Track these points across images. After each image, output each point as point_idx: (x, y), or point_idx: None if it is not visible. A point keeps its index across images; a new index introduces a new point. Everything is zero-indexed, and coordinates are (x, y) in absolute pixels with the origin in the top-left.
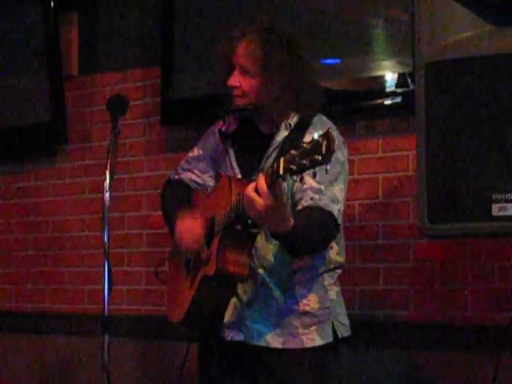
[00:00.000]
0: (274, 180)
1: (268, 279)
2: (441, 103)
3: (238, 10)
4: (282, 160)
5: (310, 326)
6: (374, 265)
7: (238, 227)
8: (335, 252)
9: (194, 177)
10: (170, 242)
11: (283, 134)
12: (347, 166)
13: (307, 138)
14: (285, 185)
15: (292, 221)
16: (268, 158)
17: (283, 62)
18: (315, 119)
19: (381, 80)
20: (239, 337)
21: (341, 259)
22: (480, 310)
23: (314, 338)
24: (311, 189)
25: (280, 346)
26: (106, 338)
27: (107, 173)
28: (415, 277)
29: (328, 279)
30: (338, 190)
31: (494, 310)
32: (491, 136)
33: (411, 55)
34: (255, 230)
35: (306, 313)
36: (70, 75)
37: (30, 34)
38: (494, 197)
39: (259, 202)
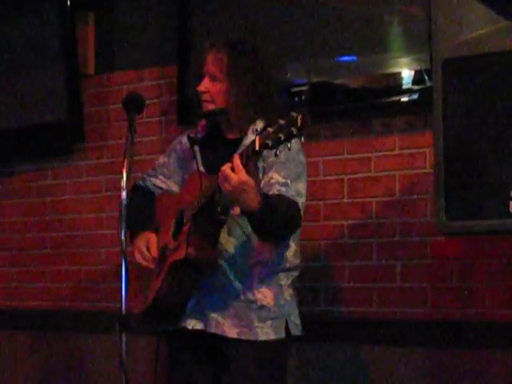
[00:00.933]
0: (249, 157)
1: (228, 271)
2: (458, 100)
3: (253, 7)
4: (257, 138)
5: (266, 320)
6: (391, 262)
7: (207, 214)
8: (292, 252)
9: (158, 182)
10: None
11: (250, 138)
12: (306, 169)
13: None
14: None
15: (260, 200)
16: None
17: (248, 69)
18: None
19: (397, 77)
20: (199, 325)
21: (297, 261)
22: (497, 308)
23: (268, 332)
24: (278, 183)
25: (235, 336)
26: (124, 335)
27: (124, 171)
28: (432, 274)
29: (284, 280)
30: (302, 187)
31: (511, 307)
32: (509, 132)
33: (428, 52)
34: (223, 217)
35: (262, 307)
36: (86, 74)
37: (47, 34)
38: (511, 194)
39: (234, 177)
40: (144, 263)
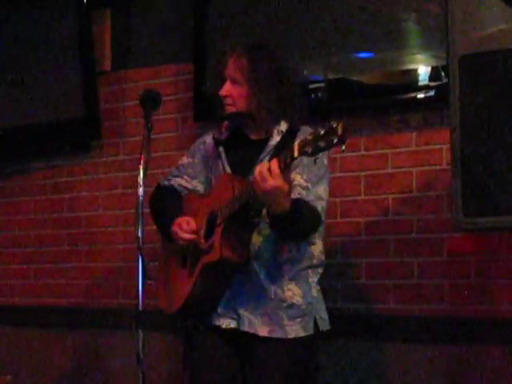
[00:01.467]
0: (287, 163)
1: (258, 269)
2: (475, 96)
3: (270, 4)
4: (296, 144)
5: (295, 318)
6: (408, 259)
7: (241, 217)
8: (318, 249)
9: (183, 182)
10: (161, 243)
11: (276, 139)
12: (329, 171)
13: None
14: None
15: (290, 205)
16: (262, 160)
17: (268, 73)
18: (303, 127)
19: (414, 73)
20: (233, 324)
21: (322, 257)
22: None
23: (297, 330)
24: (300, 185)
25: (266, 335)
26: (141, 332)
27: (141, 168)
28: (450, 270)
29: (312, 276)
30: (323, 190)
31: None
32: None
33: (444, 48)
34: (257, 220)
35: (292, 305)
36: (103, 71)
37: (64, 31)
38: None
39: (270, 181)
40: (187, 236)
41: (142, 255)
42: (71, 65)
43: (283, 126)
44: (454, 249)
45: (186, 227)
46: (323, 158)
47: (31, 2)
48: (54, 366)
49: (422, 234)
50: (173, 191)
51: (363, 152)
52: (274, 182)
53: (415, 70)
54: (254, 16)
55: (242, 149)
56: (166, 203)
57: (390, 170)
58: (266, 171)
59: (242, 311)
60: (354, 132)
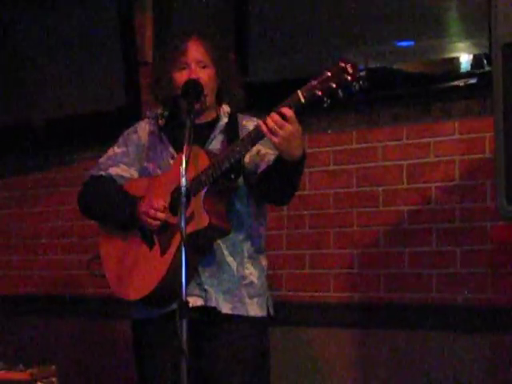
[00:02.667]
0: (296, 110)
1: (222, 245)
2: None
3: None
4: (298, 92)
5: (253, 297)
6: (451, 248)
7: (219, 183)
8: (264, 233)
9: (119, 171)
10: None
11: (224, 120)
12: None
13: (246, 124)
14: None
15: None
16: (213, 140)
17: (226, 57)
18: (240, 114)
19: (456, 62)
20: (200, 302)
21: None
22: None
23: (255, 309)
24: (268, 153)
25: (229, 312)
26: (184, 322)
27: (183, 158)
28: (493, 259)
29: (264, 261)
30: None
31: None
32: None
33: (486, 36)
34: (236, 185)
35: (251, 284)
36: (144, 61)
37: (105, 22)
38: None
39: (289, 126)
40: (161, 215)
41: (185, 245)
42: (113, 55)
43: (226, 108)
44: (497, 237)
45: (157, 205)
46: None
47: None
48: (97, 356)
49: (465, 223)
50: (111, 180)
51: (405, 141)
52: (293, 126)
53: (457, 58)
54: (296, 4)
55: (181, 133)
56: (111, 189)
57: (432, 159)
58: (280, 118)
59: (207, 287)
60: (396, 121)
